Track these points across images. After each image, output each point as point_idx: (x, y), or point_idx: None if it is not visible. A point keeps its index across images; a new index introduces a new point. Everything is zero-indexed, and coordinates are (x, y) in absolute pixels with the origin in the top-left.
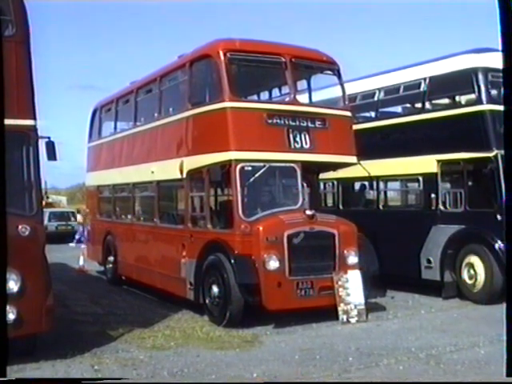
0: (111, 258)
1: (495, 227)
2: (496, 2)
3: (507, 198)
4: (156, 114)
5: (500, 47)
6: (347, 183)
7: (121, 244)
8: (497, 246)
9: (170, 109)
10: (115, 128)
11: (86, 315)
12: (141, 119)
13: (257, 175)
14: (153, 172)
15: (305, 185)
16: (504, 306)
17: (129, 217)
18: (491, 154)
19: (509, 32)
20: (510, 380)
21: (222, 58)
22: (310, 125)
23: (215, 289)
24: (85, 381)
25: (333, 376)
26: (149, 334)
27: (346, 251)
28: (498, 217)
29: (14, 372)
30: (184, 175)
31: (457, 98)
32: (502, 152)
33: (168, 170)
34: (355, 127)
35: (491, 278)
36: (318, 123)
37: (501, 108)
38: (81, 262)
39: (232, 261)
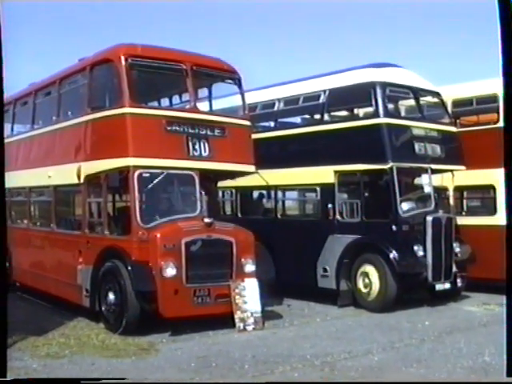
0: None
1: (390, 237)
2: (497, 7)
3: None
4: (54, 118)
5: (500, 54)
6: (246, 192)
7: (15, 249)
8: (391, 255)
9: (69, 112)
10: (12, 130)
11: None
12: (39, 122)
13: (155, 182)
14: (50, 176)
15: (203, 192)
16: (397, 314)
17: (25, 221)
18: (387, 166)
19: (509, 38)
20: (510, 380)
21: (123, 63)
22: (209, 133)
23: (111, 296)
24: (84, 380)
25: None
26: (43, 341)
27: (243, 259)
28: (393, 227)
29: None
30: (82, 180)
31: (355, 111)
32: (397, 164)
33: (65, 174)
34: (254, 136)
35: (385, 286)
36: (217, 131)
37: (397, 121)
38: None
39: (129, 268)
